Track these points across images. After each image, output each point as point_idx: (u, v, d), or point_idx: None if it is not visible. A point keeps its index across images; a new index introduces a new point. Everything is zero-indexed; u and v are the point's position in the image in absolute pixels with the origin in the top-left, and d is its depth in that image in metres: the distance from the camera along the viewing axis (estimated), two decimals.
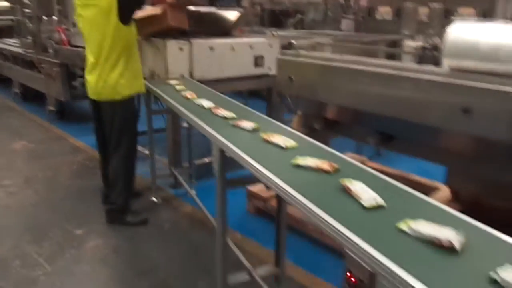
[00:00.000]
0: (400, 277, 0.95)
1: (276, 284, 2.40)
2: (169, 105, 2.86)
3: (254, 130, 2.06)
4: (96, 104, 3.29)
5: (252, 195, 3.48)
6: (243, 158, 1.73)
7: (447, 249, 1.02)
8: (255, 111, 2.52)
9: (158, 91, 3.10)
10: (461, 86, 2.17)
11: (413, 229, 1.09)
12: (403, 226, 1.12)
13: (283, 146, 1.81)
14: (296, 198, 1.35)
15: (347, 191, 1.35)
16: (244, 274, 2.37)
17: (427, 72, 2.35)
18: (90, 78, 3.23)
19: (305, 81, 3.13)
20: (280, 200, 2.36)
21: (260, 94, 5.51)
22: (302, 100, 3.27)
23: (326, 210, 1.23)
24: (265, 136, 1.92)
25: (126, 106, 3.26)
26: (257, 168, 1.61)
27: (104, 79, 3.14)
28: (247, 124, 2.12)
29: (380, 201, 1.28)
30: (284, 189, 1.41)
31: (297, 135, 2.03)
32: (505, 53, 2.06)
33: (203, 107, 2.55)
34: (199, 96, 2.80)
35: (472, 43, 2.14)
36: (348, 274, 1.10)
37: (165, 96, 2.92)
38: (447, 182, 3.36)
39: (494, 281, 0.92)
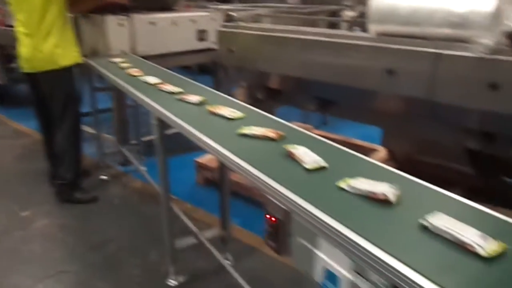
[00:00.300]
0: (310, 212, 1.05)
1: (223, 245, 2.51)
2: (113, 83, 2.78)
3: (201, 104, 2.04)
4: (33, 78, 3.16)
5: (201, 167, 3.51)
6: (186, 129, 1.73)
7: (383, 202, 1.08)
8: (203, 86, 2.48)
9: (102, 69, 3.00)
10: (383, 49, 2.30)
11: (352, 186, 1.14)
12: (342, 184, 1.17)
13: (229, 117, 1.81)
14: (238, 164, 1.36)
15: (290, 156, 1.38)
16: (191, 238, 2.45)
17: (355, 38, 2.46)
18: (24, 50, 3.10)
19: (245, 52, 3.15)
20: (222, 165, 2.44)
21: (209, 70, 5.53)
22: (244, 71, 3.33)
23: (268, 174, 1.25)
24: (211, 108, 1.92)
25: (66, 77, 3.16)
26: (199, 137, 1.61)
27: (39, 50, 3.03)
28: (194, 98, 2.09)
29: (323, 163, 1.31)
30: (227, 156, 1.42)
31: (243, 106, 2.02)
32: (421, 16, 2.21)
33: (148, 83, 2.48)
34: (145, 73, 2.71)
35: (392, 9, 2.27)
36: (268, 216, 1.20)
37: (109, 74, 2.83)
38: (383, 143, 3.58)
39: (424, 227, 0.97)
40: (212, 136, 1.59)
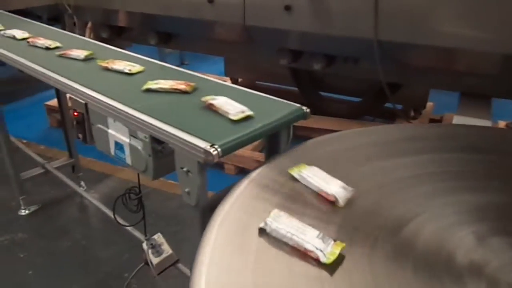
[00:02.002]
0: (101, 100, 1.26)
1: (75, 173, 2.63)
2: None
3: (89, 59, 1.70)
4: None
5: (51, 110, 3.46)
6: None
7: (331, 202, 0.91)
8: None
9: None
10: None
11: (303, 176, 0.97)
12: (293, 172, 0.99)
13: (128, 71, 1.53)
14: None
15: (210, 108, 1.20)
16: (38, 168, 2.49)
17: None
18: None
19: None
20: (59, 94, 2.50)
21: (59, 18, 5.24)
22: (85, 9, 3.33)
23: (189, 130, 1.07)
24: (103, 63, 1.58)
25: None
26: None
27: None
28: (78, 53, 1.72)
29: (248, 111, 1.16)
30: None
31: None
32: None
33: (14, 38, 1.99)
34: (7, 27, 2.14)
35: None
36: (74, 113, 1.40)
37: None
38: (226, 73, 3.91)
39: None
40: (113, 95, 1.29)
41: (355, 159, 1.08)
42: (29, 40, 1.92)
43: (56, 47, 1.84)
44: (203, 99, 1.24)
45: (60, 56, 1.72)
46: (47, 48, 1.83)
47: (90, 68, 1.61)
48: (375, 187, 0.97)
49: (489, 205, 0.92)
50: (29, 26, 2.23)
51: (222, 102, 1.20)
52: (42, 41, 1.87)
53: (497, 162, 1.09)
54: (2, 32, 2.07)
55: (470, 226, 0.85)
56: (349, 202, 0.90)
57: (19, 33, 2.01)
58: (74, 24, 3.57)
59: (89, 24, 3.60)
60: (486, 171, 1.05)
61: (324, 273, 0.73)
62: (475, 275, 0.73)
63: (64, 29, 4.34)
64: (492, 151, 1.14)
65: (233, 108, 1.17)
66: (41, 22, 2.46)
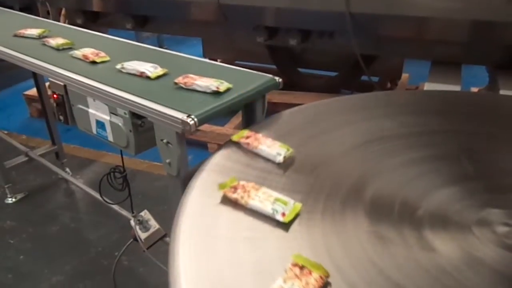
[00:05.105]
0: (80, 81, 1.29)
1: (59, 160, 2.65)
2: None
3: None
4: None
5: (30, 99, 3.44)
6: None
7: None
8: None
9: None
10: None
11: None
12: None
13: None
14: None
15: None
16: (22, 156, 2.50)
17: None
18: None
19: None
20: (38, 83, 2.51)
21: (31, 7, 5.14)
22: None
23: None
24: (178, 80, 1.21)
25: None
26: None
27: None
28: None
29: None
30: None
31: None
32: None
33: (118, 71, 1.34)
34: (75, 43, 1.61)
35: None
36: (54, 95, 1.42)
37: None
38: (204, 54, 3.92)
39: None
40: None
41: (321, 127, 1.14)
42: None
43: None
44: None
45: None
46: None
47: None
48: (341, 150, 1.03)
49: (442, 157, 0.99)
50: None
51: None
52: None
53: (451, 122, 1.17)
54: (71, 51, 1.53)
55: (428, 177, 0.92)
56: (316, 165, 0.96)
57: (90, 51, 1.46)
58: (48, 12, 3.53)
59: (63, 11, 3.57)
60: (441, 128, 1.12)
61: None
62: (434, 220, 0.80)
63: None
64: (445, 112, 1.22)
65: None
66: None
